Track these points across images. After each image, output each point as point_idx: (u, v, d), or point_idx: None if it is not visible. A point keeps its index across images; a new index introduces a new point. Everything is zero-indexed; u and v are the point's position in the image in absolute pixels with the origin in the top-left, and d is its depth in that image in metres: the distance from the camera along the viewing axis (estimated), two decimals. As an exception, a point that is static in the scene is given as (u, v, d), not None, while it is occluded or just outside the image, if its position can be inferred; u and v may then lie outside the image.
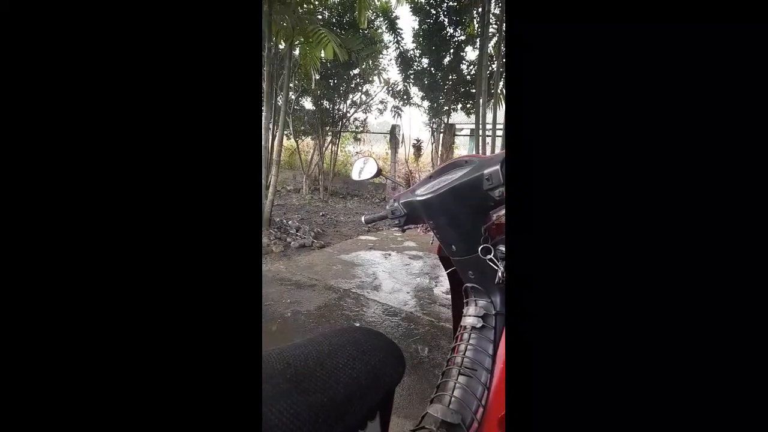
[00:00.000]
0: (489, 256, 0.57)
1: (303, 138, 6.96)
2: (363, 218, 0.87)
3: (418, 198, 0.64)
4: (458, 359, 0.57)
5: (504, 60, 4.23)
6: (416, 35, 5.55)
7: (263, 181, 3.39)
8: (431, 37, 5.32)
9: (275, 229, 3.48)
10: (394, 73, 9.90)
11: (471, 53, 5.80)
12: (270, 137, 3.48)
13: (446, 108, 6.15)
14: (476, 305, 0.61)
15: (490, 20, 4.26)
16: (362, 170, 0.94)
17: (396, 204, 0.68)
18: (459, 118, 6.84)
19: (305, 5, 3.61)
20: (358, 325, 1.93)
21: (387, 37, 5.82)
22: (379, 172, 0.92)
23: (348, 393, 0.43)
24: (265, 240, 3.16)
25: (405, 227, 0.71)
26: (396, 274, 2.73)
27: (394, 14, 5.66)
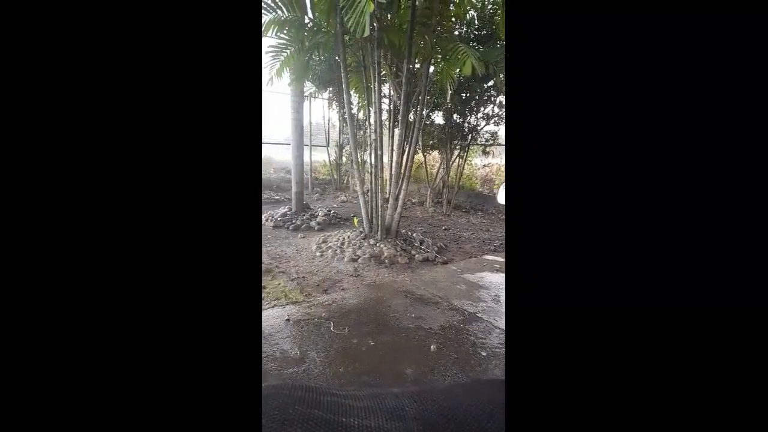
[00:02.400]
0: None
1: (430, 152, 7.09)
2: None
3: None
4: None
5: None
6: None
7: (393, 193, 3.57)
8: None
9: (401, 241, 3.61)
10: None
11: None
12: (401, 152, 3.65)
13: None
14: None
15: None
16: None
17: None
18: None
19: (445, 24, 3.68)
20: (484, 354, 1.79)
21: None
22: None
23: None
24: (391, 250, 3.30)
25: None
26: (527, 304, 2.45)
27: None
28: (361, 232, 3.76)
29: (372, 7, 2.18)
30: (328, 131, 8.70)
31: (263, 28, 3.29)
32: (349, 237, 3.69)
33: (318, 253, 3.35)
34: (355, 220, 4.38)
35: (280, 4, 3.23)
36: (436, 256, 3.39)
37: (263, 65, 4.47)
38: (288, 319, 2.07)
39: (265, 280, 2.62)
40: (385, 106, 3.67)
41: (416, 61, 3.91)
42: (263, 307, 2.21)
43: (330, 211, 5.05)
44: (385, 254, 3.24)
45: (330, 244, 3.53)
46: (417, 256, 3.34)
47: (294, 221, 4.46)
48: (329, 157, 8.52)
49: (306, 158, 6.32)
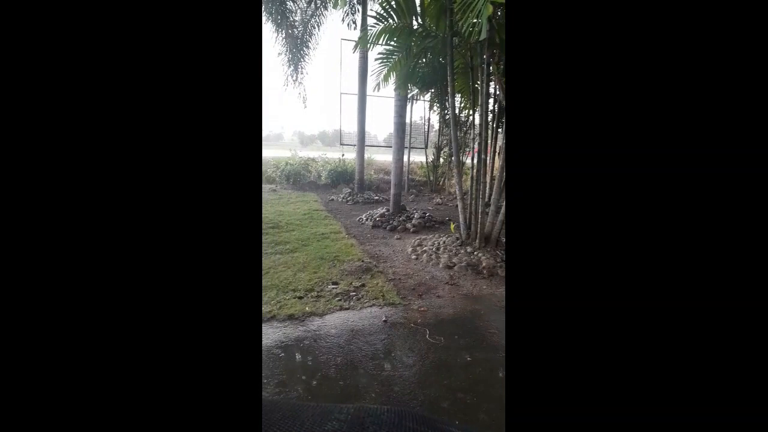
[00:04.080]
0: None
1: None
2: None
3: None
4: None
5: None
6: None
7: (494, 198, 3.37)
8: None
9: (501, 251, 3.39)
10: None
11: None
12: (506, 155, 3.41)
13: None
14: None
15: None
16: None
17: None
18: None
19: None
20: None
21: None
22: None
23: None
24: (490, 260, 3.13)
25: None
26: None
27: None
28: (457, 238, 3.66)
29: (491, 10, 2.08)
30: (428, 133, 8.71)
31: (374, 38, 3.45)
32: (444, 242, 3.63)
33: (413, 256, 3.38)
34: (452, 226, 4.29)
35: (390, 12, 3.34)
36: (541, 271, 3.09)
37: (371, 72, 4.72)
38: (385, 321, 2.13)
39: (365, 278, 2.76)
40: (489, 107, 3.49)
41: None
42: (363, 304, 2.33)
43: (425, 213, 5.06)
44: (484, 264, 3.09)
45: (425, 248, 3.53)
46: (519, 268, 3.08)
47: (391, 222, 4.61)
48: (426, 159, 8.54)
49: (404, 160, 6.45)
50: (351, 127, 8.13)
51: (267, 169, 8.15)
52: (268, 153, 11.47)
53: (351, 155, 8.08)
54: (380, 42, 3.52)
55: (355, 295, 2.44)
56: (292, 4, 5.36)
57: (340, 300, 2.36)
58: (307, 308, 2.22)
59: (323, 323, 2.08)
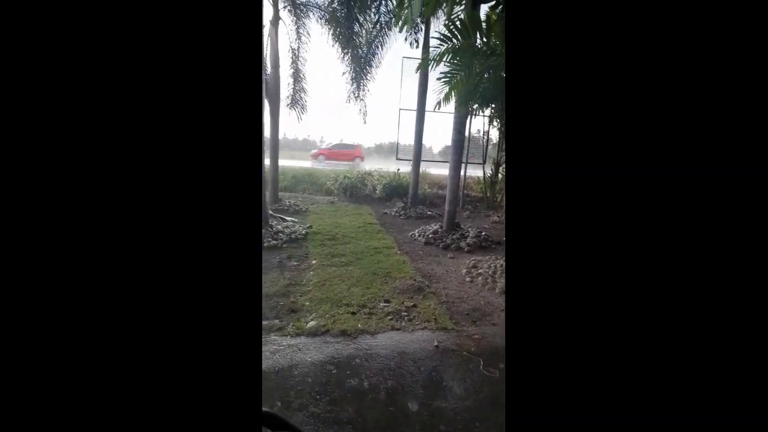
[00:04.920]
0: None
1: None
2: None
3: None
4: None
5: None
6: None
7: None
8: None
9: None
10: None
11: None
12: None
13: None
14: None
15: None
16: None
17: None
18: None
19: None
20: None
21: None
22: None
23: None
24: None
25: None
26: None
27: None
28: (516, 262, 3.47)
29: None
30: (486, 147, 8.48)
31: (436, 58, 3.48)
32: (501, 266, 3.47)
33: (468, 279, 3.28)
34: (510, 247, 4.08)
35: (455, 32, 3.35)
36: (611, 306, 2.79)
37: (431, 90, 4.75)
38: (437, 346, 2.08)
39: (417, 298, 2.73)
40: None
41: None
42: (414, 326, 2.30)
43: (481, 232, 4.88)
44: (545, 293, 2.88)
45: (480, 271, 3.40)
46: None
47: (444, 239, 4.52)
48: (484, 174, 8.30)
49: (461, 175, 6.33)
50: (407, 140, 8.23)
51: (326, 181, 8.54)
52: (327, 166, 12.04)
53: (406, 168, 8.15)
54: (443, 61, 3.54)
55: (406, 316, 2.42)
56: (358, 27, 5.64)
57: (391, 319, 2.36)
58: (359, 325, 2.25)
59: (374, 342, 2.09)
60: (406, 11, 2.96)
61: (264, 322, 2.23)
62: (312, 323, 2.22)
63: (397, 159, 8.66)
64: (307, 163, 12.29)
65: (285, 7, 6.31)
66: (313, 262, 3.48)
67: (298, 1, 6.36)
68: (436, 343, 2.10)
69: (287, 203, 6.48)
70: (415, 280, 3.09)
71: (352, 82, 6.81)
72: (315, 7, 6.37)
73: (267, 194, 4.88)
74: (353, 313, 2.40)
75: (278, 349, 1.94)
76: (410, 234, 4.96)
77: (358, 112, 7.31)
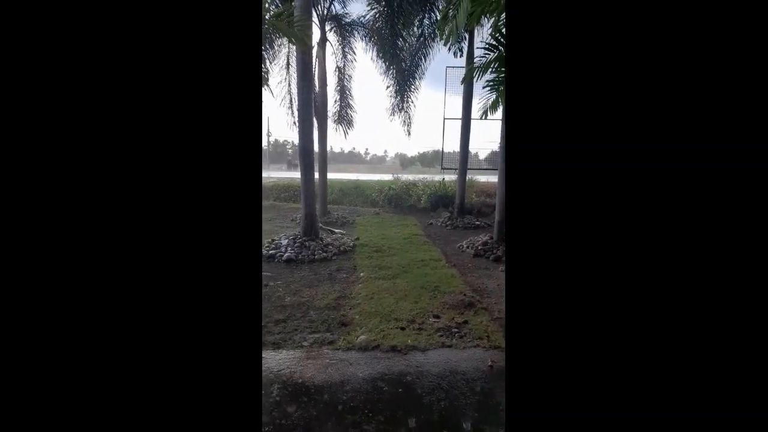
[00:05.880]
0: None
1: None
2: None
3: None
4: None
5: None
6: None
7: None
8: None
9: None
10: None
11: None
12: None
13: None
14: None
15: None
16: None
17: None
18: None
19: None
20: None
21: None
22: None
23: None
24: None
25: None
26: None
27: None
28: (575, 276, 3.23)
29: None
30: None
31: (482, 68, 3.42)
32: (559, 279, 3.25)
33: (521, 293, 3.11)
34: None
35: (501, 40, 3.27)
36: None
37: (477, 97, 4.68)
38: (491, 366, 1.99)
39: (467, 314, 2.64)
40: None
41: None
42: (466, 343, 2.22)
43: (534, 243, 4.63)
44: (610, 311, 2.64)
45: (536, 285, 3.21)
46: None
47: (495, 251, 4.35)
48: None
49: (510, 184, 6.08)
50: (452, 147, 8.11)
51: (372, 193, 8.69)
52: (372, 176, 12.26)
53: (451, 177, 8.02)
54: (490, 69, 3.47)
55: (457, 333, 2.35)
56: (401, 42, 5.74)
57: (441, 336, 2.31)
58: (409, 341, 2.23)
59: (425, 359, 2.05)
60: (451, 24, 2.95)
61: (316, 335, 2.29)
62: (362, 337, 2.24)
63: (442, 168, 8.57)
64: (353, 176, 12.63)
65: (331, 29, 6.62)
66: (362, 274, 3.53)
67: (343, 22, 6.65)
68: (490, 363, 2.01)
69: (335, 215, 6.68)
70: (465, 294, 3.00)
71: (396, 95, 6.92)
72: (360, 26, 6.60)
73: (317, 207, 5.08)
74: (402, 329, 2.39)
75: (331, 363, 1.98)
76: (458, 245, 4.85)
77: (402, 124, 7.39)
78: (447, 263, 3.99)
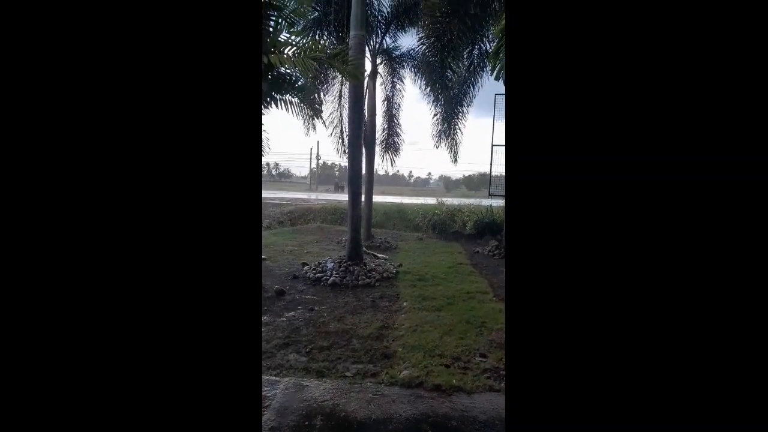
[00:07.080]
0: None
1: None
2: None
3: None
4: None
5: None
6: None
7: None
8: None
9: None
10: None
11: None
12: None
13: None
14: None
15: None
16: None
17: None
18: None
19: None
20: None
21: None
22: None
23: None
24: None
25: None
26: None
27: None
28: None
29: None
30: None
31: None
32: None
33: (578, 336, 2.87)
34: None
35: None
36: None
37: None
38: (544, 419, 1.84)
39: (517, 356, 2.49)
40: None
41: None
42: (515, 390, 2.09)
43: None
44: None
45: (594, 328, 2.96)
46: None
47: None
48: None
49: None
50: (500, 172, 7.92)
51: (415, 217, 8.70)
52: (415, 200, 12.30)
53: (499, 202, 7.79)
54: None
55: (505, 375, 2.22)
56: (450, 73, 5.86)
57: (489, 378, 2.19)
58: (453, 380, 2.14)
59: (471, 403, 1.95)
60: (501, 63, 2.97)
61: (359, 365, 2.29)
62: (405, 372, 2.20)
63: (490, 194, 8.37)
64: (396, 199, 12.77)
65: (382, 62, 6.95)
66: (405, 304, 3.50)
67: (393, 55, 6.96)
68: (543, 415, 1.86)
69: (379, 240, 6.76)
70: (513, 333, 2.84)
71: (443, 122, 6.99)
72: (409, 58, 6.86)
73: (362, 231, 5.20)
74: (447, 366, 2.31)
75: (373, 398, 1.96)
76: (505, 277, 4.64)
77: (448, 151, 7.40)
78: (494, 297, 3.82)
